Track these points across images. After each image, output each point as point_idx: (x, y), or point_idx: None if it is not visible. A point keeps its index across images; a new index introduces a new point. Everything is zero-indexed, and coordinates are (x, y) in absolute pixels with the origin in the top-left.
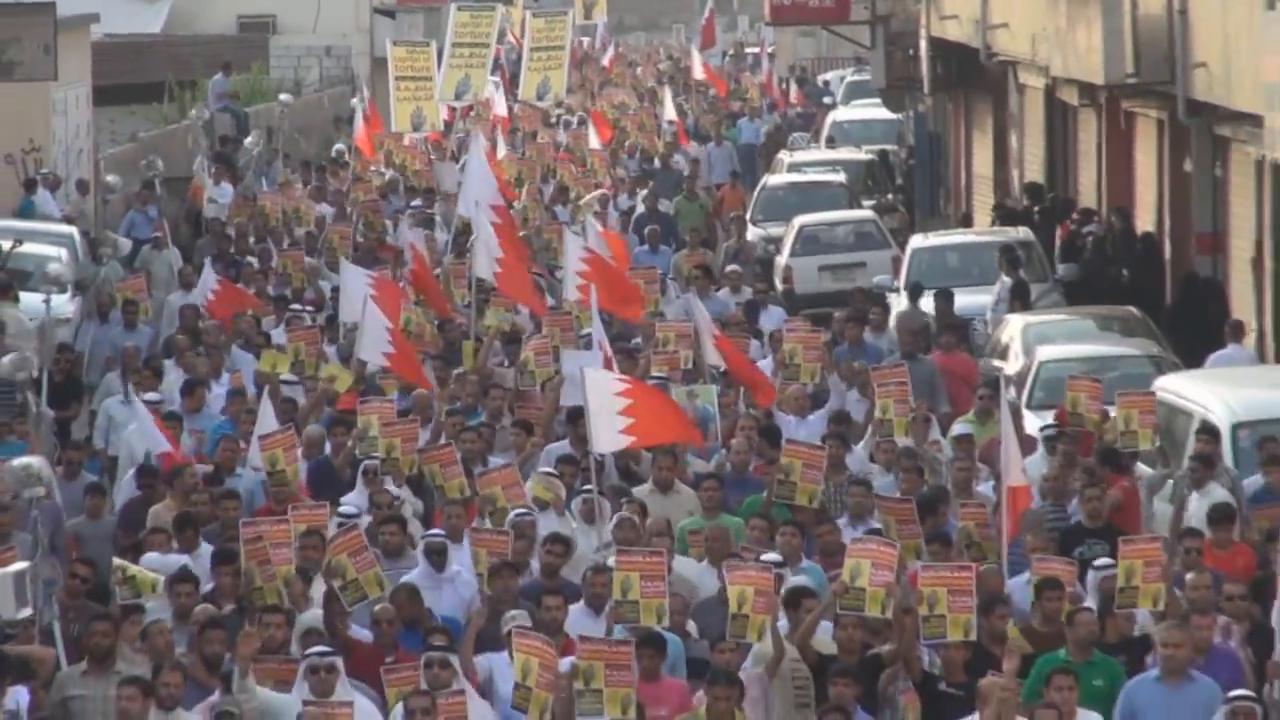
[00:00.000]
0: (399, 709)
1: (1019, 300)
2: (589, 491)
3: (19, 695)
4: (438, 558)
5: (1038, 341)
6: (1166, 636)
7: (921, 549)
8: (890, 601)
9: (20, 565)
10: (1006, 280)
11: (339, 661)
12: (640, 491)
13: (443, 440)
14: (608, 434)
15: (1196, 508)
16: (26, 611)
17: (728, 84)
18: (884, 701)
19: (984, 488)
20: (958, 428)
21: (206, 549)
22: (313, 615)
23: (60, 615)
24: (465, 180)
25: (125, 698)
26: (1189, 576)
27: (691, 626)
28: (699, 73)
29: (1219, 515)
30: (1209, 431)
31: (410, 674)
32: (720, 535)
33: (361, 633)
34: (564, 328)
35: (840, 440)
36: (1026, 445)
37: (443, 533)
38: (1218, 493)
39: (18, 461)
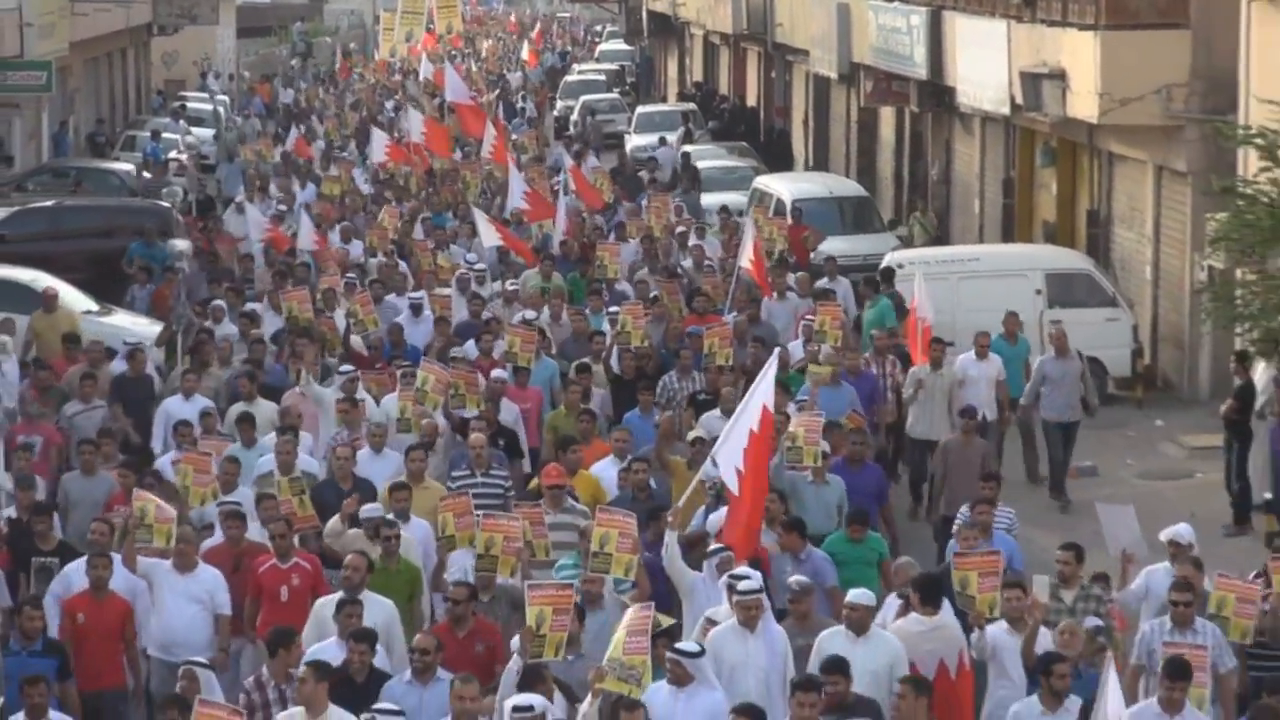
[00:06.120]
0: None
1: (686, 138)
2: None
3: None
4: (417, 311)
5: (697, 159)
6: (826, 357)
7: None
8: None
9: None
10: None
11: (360, 377)
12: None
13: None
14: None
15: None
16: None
17: (543, 38)
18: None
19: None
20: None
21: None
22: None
23: (185, 330)
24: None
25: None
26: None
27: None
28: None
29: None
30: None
31: (387, 379)
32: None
33: (361, 347)
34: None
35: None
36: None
37: (422, 295)
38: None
39: (173, 242)
